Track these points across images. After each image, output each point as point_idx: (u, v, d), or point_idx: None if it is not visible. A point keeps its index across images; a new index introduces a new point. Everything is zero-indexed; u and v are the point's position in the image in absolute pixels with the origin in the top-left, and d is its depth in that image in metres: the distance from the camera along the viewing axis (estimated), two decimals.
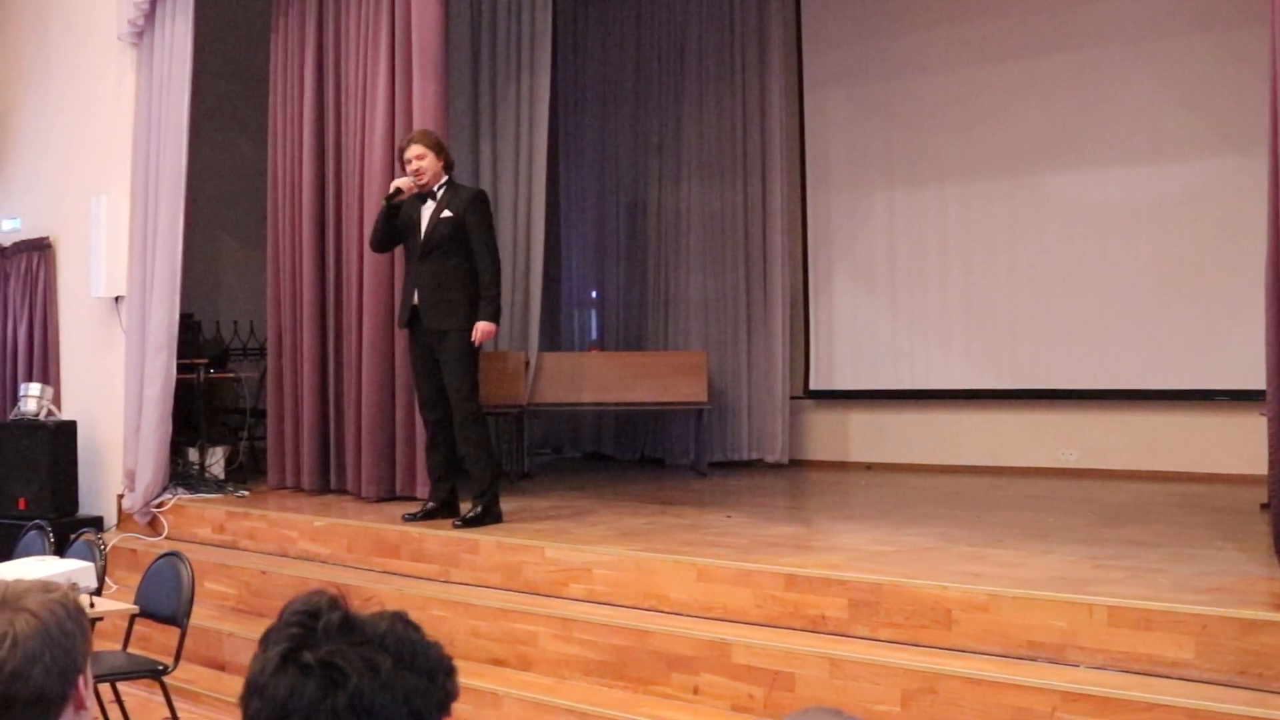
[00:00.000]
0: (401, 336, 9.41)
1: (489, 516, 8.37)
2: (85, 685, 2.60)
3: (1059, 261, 10.97)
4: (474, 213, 8.43)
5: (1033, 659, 5.56)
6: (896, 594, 6.06)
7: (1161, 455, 10.46)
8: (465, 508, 8.47)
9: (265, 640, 1.95)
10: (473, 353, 8.49)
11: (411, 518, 8.60)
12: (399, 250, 9.27)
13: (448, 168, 8.60)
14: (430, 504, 8.71)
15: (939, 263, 11.59)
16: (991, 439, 11.33)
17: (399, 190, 8.46)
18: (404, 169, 8.59)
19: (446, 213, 8.43)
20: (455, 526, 8.24)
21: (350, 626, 1.91)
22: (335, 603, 1.95)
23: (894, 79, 11.89)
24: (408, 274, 8.70)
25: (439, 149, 8.56)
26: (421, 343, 8.55)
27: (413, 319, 8.54)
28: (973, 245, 11.42)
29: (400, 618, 1.97)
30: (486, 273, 8.40)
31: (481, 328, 8.34)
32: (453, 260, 8.42)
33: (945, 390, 11.58)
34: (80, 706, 2.61)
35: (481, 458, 8.48)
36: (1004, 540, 7.35)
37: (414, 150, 8.50)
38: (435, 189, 8.51)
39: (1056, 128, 10.98)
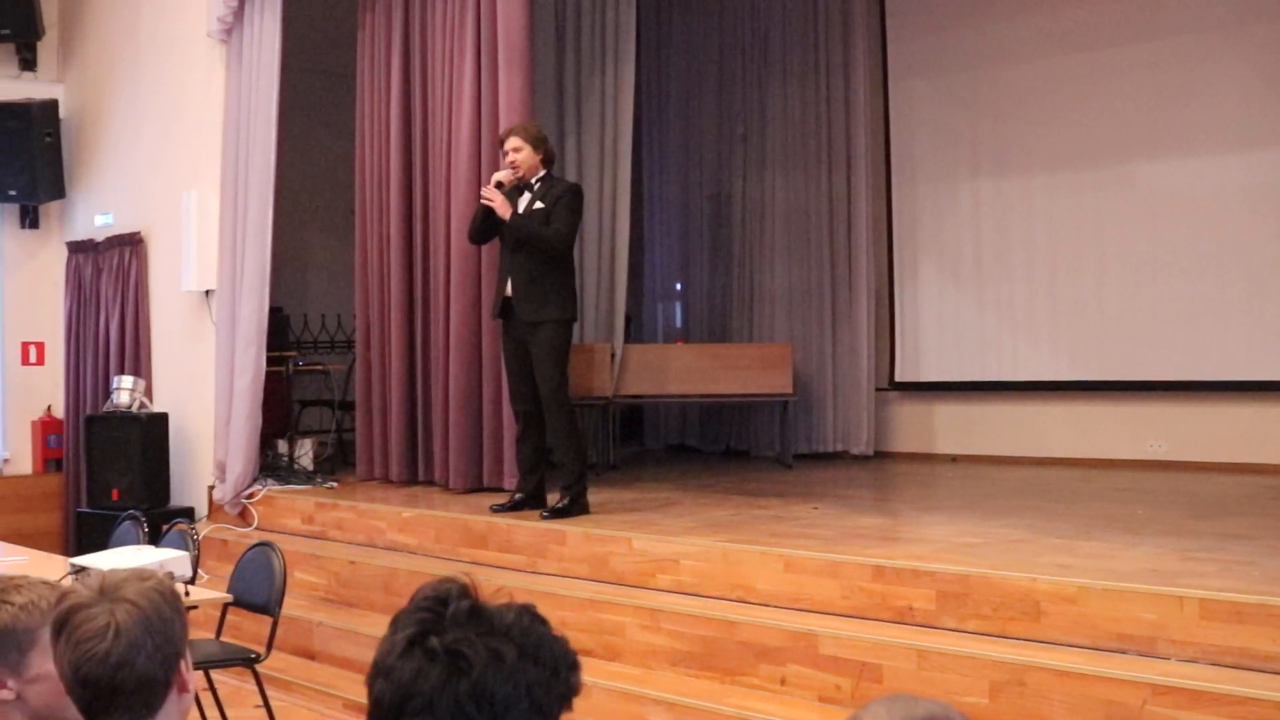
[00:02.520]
0: (491, 328, 9.47)
1: (576, 508, 8.39)
2: (187, 669, 2.65)
3: (1147, 251, 10.85)
4: (563, 205, 8.42)
5: (1122, 652, 5.52)
6: (985, 585, 6.04)
7: (1252, 447, 10.33)
8: (553, 499, 8.51)
9: (395, 623, 1.99)
10: (564, 346, 8.51)
11: (499, 509, 8.64)
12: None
13: (546, 161, 8.61)
14: (518, 495, 8.73)
15: (1025, 254, 11.50)
16: (1079, 431, 11.23)
17: (500, 184, 8.45)
18: (504, 160, 8.61)
19: (538, 204, 8.44)
20: (543, 518, 8.28)
21: (478, 615, 1.95)
22: (466, 591, 1.99)
23: (979, 69, 11.80)
24: (501, 265, 8.71)
25: (537, 142, 8.56)
26: (514, 334, 8.57)
27: (505, 310, 8.57)
28: (1059, 236, 11.31)
29: (528, 610, 2.00)
30: (554, 231, 8.37)
31: (501, 200, 8.38)
32: (545, 252, 8.42)
33: (1032, 382, 11.49)
34: (183, 690, 2.66)
35: (570, 450, 8.51)
36: (1093, 532, 7.30)
37: (511, 142, 8.54)
38: (532, 181, 8.54)
39: (1144, 116, 10.85)
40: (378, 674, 1.95)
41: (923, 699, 1.87)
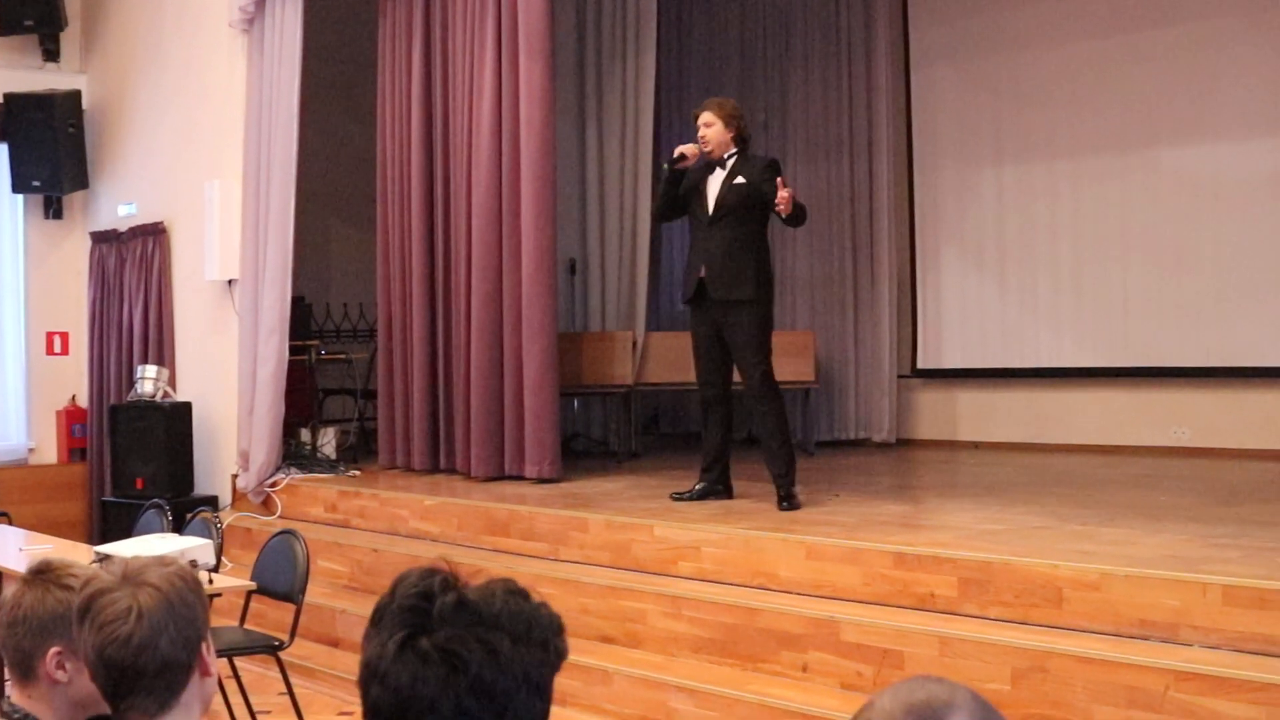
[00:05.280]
0: (513, 316, 9.49)
1: (796, 500, 8.06)
2: (208, 652, 2.67)
3: (1172, 237, 10.80)
4: (771, 180, 7.97)
5: (1145, 638, 5.51)
6: (1006, 572, 6.04)
7: (1276, 433, 10.27)
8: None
9: (379, 619, 1.97)
10: (766, 329, 8.19)
11: (681, 497, 8.39)
12: (510, 230, 9.35)
13: (739, 140, 8.23)
14: (700, 485, 8.45)
15: (1049, 240, 11.46)
16: (1102, 417, 11.20)
17: (682, 156, 8.18)
18: (696, 135, 8.28)
19: (740, 179, 8.09)
20: (782, 509, 7.91)
21: (465, 608, 1.93)
22: (448, 583, 1.96)
23: (1003, 54, 11.76)
24: (694, 245, 8.36)
25: (730, 118, 8.19)
26: (707, 317, 8.23)
27: (698, 292, 8.22)
28: (1083, 222, 11.26)
29: (509, 588, 1.98)
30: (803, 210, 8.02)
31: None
32: (745, 229, 8.09)
33: (1055, 368, 11.45)
34: (206, 673, 2.68)
35: (783, 440, 8.19)
36: (1115, 519, 7.28)
37: (704, 117, 8.23)
38: (725, 158, 8.19)
39: (1170, 101, 10.80)
40: (371, 678, 1.93)
41: (933, 681, 1.84)
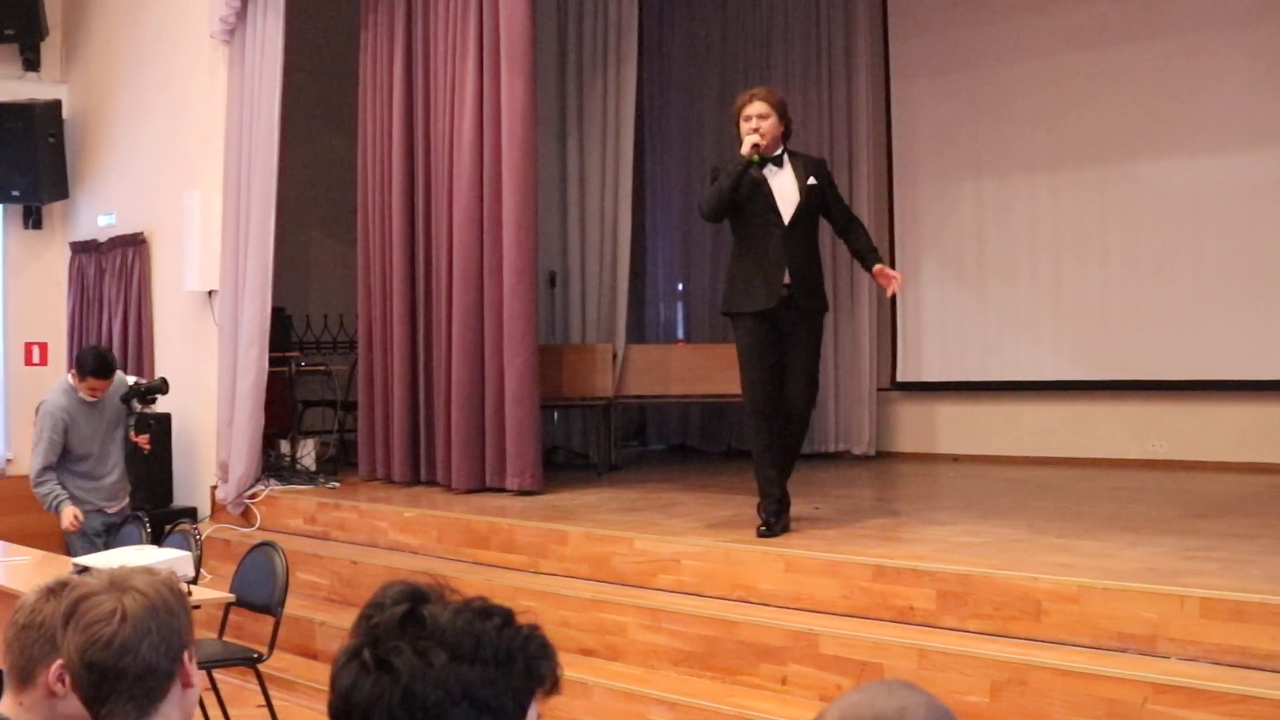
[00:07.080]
0: (494, 327, 9.48)
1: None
2: (191, 663, 2.68)
3: (1150, 251, 10.84)
4: (832, 183, 7.69)
5: (1123, 650, 5.54)
6: (985, 585, 6.06)
7: (1253, 446, 10.31)
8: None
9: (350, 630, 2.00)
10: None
11: (772, 531, 7.43)
12: (491, 242, 9.33)
13: (787, 134, 7.59)
14: (784, 509, 7.62)
15: (1028, 253, 11.49)
16: (1080, 430, 11.22)
17: (756, 146, 7.35)
18: (737, 128, 7.53)
19: (812, 180, 7.48)
20: (760, 535, 7.40)
21: (411, 620, 1.94)
22: (407, 595, 1.97)
23: (982, 68, 11.79)
24: (762, 248, 7.43)
25: (783, 110, 7.51)
26: (773, 326, 7.46)
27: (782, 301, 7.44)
28: (1062, 235, 11.30)
29: (470, 607, 1.98)
30: (864, 229, 7.84)
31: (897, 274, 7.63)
32: (813, 233, 7.56)
33: (1034, 381, 11.48)
34: (187, 684, 2.69)
35: (794, 460, 7.99)
36: (1093, 532, 7.30)
37: (757, 108, 7.43)
38: (778, 155, 7.48)
39: (1148, 115, 10.84)
40: (330, 684, 1.96)
41: (884, 695, 1.79)
